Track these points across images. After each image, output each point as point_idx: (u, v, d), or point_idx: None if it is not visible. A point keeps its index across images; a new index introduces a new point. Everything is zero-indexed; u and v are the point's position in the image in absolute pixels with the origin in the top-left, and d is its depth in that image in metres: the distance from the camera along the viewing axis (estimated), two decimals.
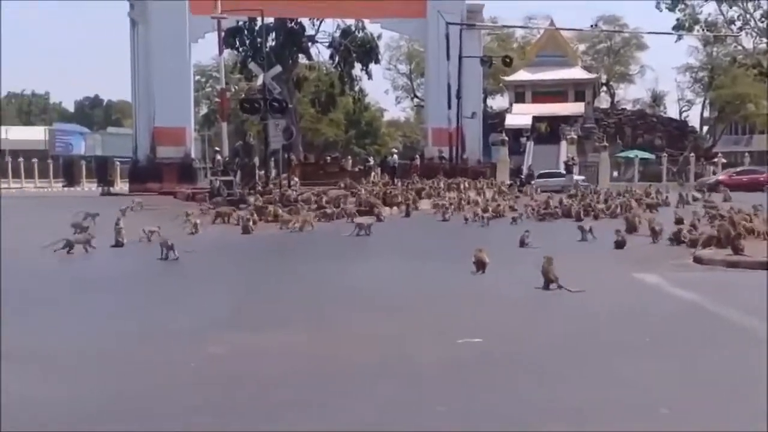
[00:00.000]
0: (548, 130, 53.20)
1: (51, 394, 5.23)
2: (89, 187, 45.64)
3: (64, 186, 49.05)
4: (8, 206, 24.28)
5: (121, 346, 6.59)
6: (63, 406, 4.95)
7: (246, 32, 47.00)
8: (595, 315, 7.86)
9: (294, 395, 5.15)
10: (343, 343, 6.67)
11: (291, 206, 20.49)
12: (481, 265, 10.48)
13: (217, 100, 48.21)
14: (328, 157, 42.91)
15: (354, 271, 11.29)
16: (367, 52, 50.37)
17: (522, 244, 13.51)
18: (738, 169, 42.29)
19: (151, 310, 8.44)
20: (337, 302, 8.70)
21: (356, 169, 37.90)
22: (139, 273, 11.64)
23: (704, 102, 66.59)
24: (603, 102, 71.41)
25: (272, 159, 28.46)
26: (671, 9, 54.14)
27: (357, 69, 51.43)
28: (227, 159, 30.99)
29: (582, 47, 68.55)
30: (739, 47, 57.22)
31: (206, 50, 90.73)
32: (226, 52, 43.28)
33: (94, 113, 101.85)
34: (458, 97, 36.38)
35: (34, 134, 69.63)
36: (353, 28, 49.48)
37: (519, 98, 58.85)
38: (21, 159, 50.90)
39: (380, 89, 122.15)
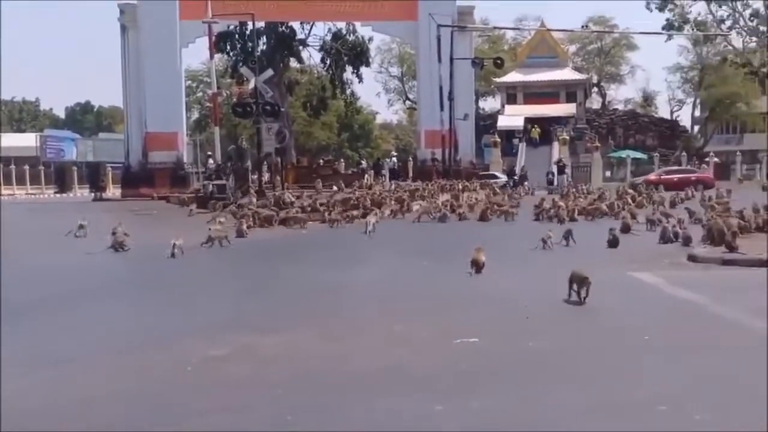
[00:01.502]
0: (540, 135, 53.21)
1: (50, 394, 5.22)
2: (81, 192, 45.53)
3: (56, 192, 48.88)
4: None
5: (116, 349, 6.58)
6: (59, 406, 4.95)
7: (237, 36, 46.87)
8: (593, 314, 7.88)
9: (292, 396, 5.16)
10: (343, 344, 6.68)
11: (286, 209, 20.49)
12: (477, 266, 10.49)
13: (208, 104, 48.22)
14: (321, 160, 42.84)
15: (354, 273, 11.31)
16: (358, 55, 50.28)
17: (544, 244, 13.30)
18: (667, 168, 42.08)
19: (152, 312, 8.43)
20: (337, 303, 8.73)
21: (349, 172, 37.89)
22: (145, 276, 11.64)
23: (695, 101, 66.81)
24: (594, 102, 71.55)
25: (265, 162, 28.43)
26: (661, 9, 54.19)
27: (348, 72, 51.40)
28: (220, 163, 30.93)
29: (573, 48, 68.72)
30: (729, 47, 57.45)
31: (197, 55, 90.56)
32: (217, 56, 43.22)
33: (85, 119, 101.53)
34: (450, 99, 36.41)
35: (26, 141, 69.27)
36: (344, 32, 49.40)
37: (511, 100, 58.96)
38: (12, 165, 50.73)
39: (372, 92, 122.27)
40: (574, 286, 8.40)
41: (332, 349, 6.50)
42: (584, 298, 8.25)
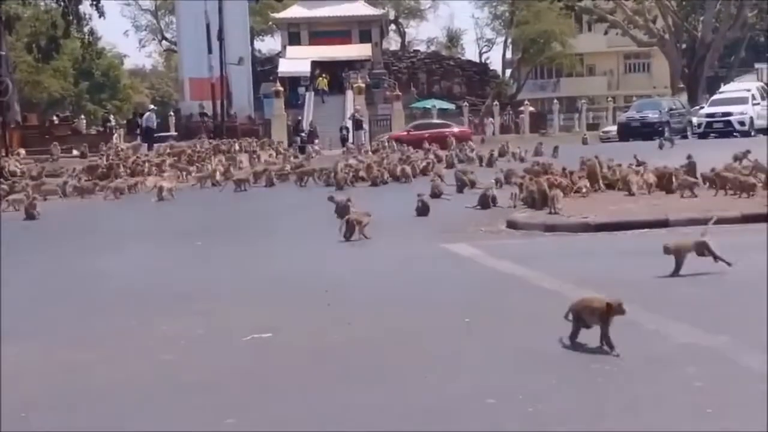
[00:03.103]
0: (329, 83, 53.69)
1: None
2: None
3: None
4: None
5: None
6: None
7: None
8: (405, 296, 8.16)
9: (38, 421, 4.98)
10: (113, 350, 6.51)
11: (13, 183, 19.52)
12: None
13: None
14: (56, 117, 41.09)
15: (124, 259, 11.10)
16: None
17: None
18: (418, 122, 43.41)
19: None
20: (108, 299, 8.54)
21: (93, 132, 36.70)
22: None
23: (506, 41, 70.30)
24: (392, 43, 73.41)
25: None
26: None
27: (86, 5, 49.36)
28: None
29: None
30: None
31: None
32: None
33: None
34: (220, 39, 35.98)
35: None
36: None
37: (293, 39, 59.01)
38: None
39: (118, 30, 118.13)
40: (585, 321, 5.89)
41: (88, 358, 6.31)
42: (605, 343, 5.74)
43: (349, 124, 42.21)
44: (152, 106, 45.51)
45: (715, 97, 39.17)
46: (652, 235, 11.23)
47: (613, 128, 43.66)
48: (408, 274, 9.32)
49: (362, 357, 6.14)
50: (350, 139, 38.95)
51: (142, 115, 43.41)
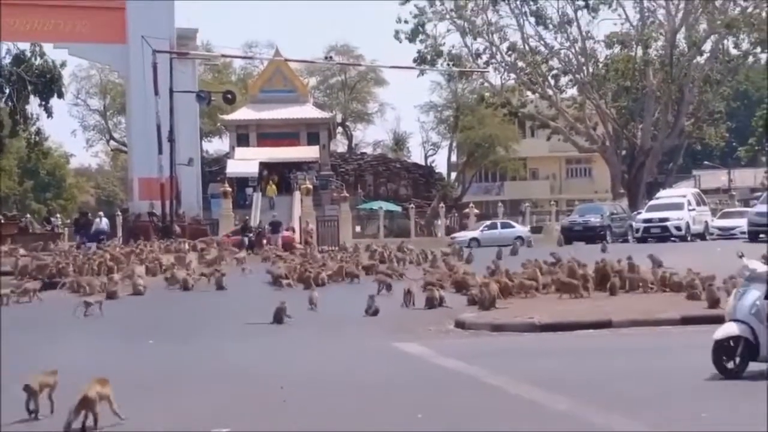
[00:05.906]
0: (278, 186, 53.98)
1: None
2: None
3: None
4: None
5: None
6: None
7: None
8: (358, 392, 8.45)
9: None
10: None
11: None
12: None
13: None
14: (1, 217, 40.85)
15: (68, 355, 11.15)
16: (48, 83, 48.80)
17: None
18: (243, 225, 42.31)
19: None
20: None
21: (39, 231, 36.63)
22: None
23: (451, 145, 71.61)
24: (339, 145, 74.33)
25: None
26: (411, 40, 57.83)
27: (34, 105, 49.61)
28: None
29: (313, 81, 70.99)
30: (486, 84, 62.32)
31: None
32: None
33: None
34: (171, 140, 36.31)
35: None
36: (29, 54, 47.85)
37: (242, 141, 59.42)
38: None
39: (66, 129, 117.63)
40: None
41: None
42: None
43: (296, 223, 42.38)
44: (100, 213, 45.06)
45: (652, 202, 39.90)
46: (595, 336, 11.71)
47: (460, 234, 43.44)
48: (361, 371, 9.62)
49: None
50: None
51: (86, 214, 43.19)
